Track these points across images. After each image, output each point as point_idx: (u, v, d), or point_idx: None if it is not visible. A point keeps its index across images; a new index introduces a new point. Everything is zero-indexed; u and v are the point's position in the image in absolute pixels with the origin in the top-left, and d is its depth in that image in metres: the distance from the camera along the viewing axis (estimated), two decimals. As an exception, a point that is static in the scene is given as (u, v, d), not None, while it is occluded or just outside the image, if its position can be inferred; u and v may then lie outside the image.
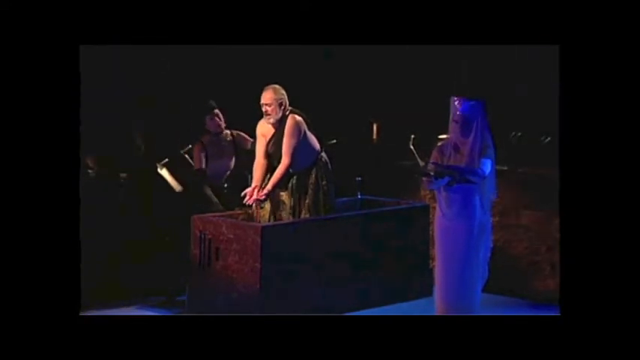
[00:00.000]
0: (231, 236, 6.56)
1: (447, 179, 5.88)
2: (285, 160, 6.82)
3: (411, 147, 7.44)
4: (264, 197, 6.81)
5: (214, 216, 6.85)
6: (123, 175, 7.36)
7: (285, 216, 6.94)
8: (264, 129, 7.00)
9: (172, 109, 7.71)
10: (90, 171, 7.09)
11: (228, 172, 7.59)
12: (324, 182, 6.98)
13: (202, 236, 6.72)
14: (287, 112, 6.88)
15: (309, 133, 6.94)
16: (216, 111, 7.53)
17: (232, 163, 7.61)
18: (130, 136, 7.51)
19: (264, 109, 6.86)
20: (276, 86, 6.87)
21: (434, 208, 6.38)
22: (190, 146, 7.52)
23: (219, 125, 7.55)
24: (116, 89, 7.19)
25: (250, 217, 6.95)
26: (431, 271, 7.08)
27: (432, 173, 5.88)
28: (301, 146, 6.87)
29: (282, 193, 6.93)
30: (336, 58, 8.19)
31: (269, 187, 6.81)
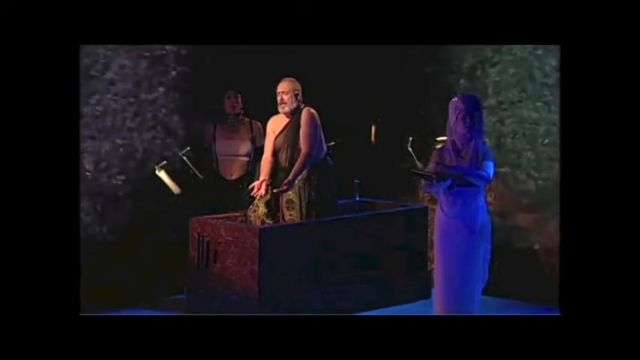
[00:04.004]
0: (230, 238, 6.55)
1: (448, 182, 5.83)
2: (304, 150, 6.84)
3: (409, 149, 7.44)
4: (285, 188, 6.77)
5: (212, 218, 6.83)
6: (121, 177, 7.34)
7: (295, 214, 6.89)
8: (275, 125, 7.05)
9: (172, 110, 7.69)
10: (88, 173, 7.07)
11: (246, 159, 7.60)
12: (330, 181, 6.98)
13: (201, 238, 6.71)
14: (302, 106, 6.95)
15: (321, 130, 6.98)
16: (238, 94, 7.63)
17: (246, 149, 7.62)
18: (129, 138, 7.48)
19: (279, 98, 6.94)
20: (293, 78, 6.99)
21: (433, 210, 6.37)
22: (189, 148, 7.51)
23: (234, 107, 7.63)
24: (116, 89, 7.18)
25: (248, 220, 6.94)
26: (430, 273, 7.08)
27: (433, 176, 5.82)
28: (316, 140, 6.89)
29: (289, 192, 6.87)
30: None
31: (290, 177, 6.77)
